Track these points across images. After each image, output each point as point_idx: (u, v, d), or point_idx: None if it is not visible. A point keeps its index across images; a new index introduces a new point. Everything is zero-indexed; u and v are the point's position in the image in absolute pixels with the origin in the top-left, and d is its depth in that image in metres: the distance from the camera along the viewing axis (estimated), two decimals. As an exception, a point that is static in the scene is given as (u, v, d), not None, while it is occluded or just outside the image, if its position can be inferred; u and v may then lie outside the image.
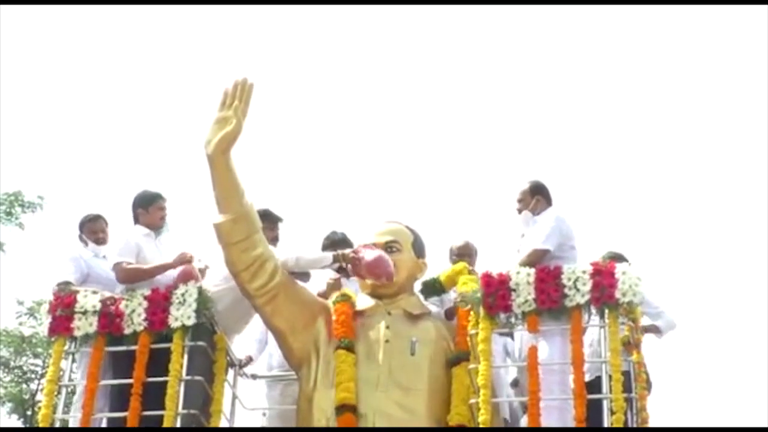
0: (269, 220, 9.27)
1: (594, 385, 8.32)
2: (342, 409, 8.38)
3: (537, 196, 9.31)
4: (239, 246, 8.69)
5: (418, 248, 9.28)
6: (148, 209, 9.33)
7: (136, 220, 9.37)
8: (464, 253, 9.77)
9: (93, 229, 9.59)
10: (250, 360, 9.52)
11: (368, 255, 8.85)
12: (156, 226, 9.32)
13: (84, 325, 8.72)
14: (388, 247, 9.06)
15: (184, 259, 8.92)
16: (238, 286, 8.82)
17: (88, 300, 8.80)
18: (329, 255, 8.93)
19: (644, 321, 9.49)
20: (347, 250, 8.98)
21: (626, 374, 8.35)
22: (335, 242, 9.55)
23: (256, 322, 9.33)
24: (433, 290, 9.23)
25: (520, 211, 9.33)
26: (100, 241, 9.53)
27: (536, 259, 8.72)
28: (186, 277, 8.77)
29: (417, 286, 9.34)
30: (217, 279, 9.01)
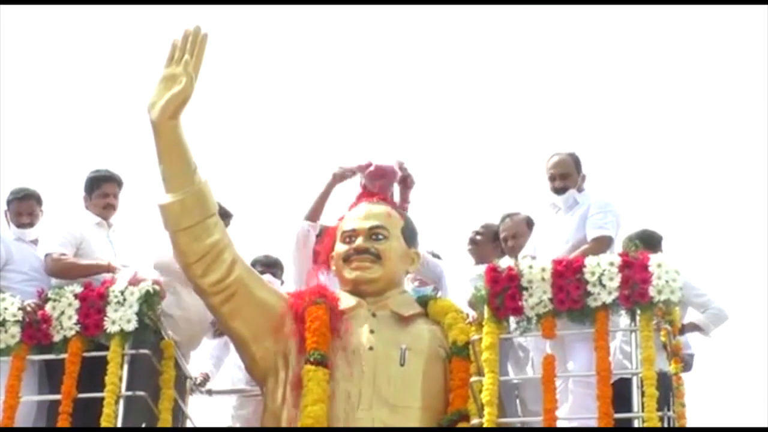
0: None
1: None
2: None
3: (582, 173, 7.78)
4: (190, 232, 7.33)
5: (409, 235, 7.87)
6: (91, 195, 7.96)
7: (86, 206, 8.03)
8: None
9: (18, 210, 7.99)
10: (207, 378, 8.15)
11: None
12: (101, 215, 7.93)
13: (5, 338, 7.40)
14: (372, 234, 7.69)
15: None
16: (189, 281, 7.49)
17: (7, 307, 7.43)
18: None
19: (688, 312, 8.16)
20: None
21: (660, 386, 6.97)
22: (267, 264, 8.58)
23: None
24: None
25: (563, 189, 7.71)
26: (24, 225, 7.96)
27: (604, 248, 7.31)
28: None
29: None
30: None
